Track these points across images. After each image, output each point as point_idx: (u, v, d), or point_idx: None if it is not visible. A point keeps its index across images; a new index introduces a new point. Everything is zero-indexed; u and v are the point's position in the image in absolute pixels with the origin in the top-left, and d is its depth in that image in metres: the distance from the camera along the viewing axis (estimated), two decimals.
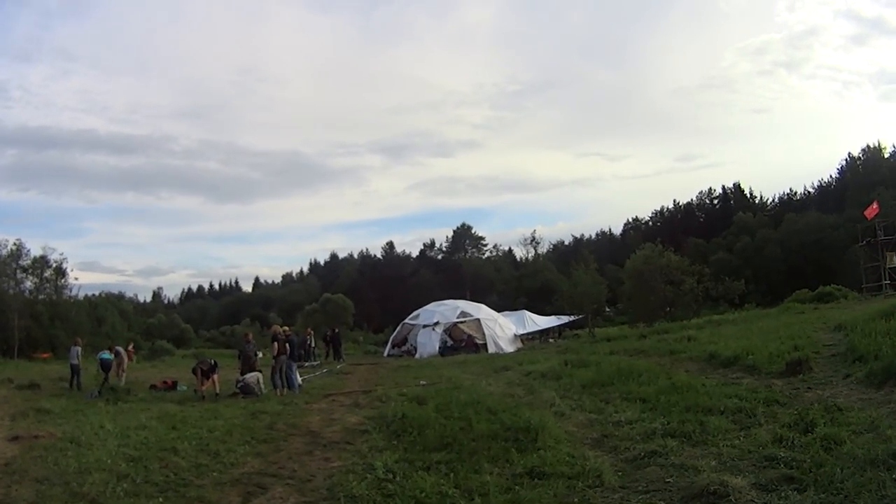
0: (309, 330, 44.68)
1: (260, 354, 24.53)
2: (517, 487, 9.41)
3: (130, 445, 13.25)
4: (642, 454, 10.65)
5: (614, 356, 25.82)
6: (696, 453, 10.48)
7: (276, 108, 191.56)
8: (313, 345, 42.26)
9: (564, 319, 56.58)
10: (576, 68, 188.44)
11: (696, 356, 22.80)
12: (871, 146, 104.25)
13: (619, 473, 9.87)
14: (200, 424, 15.68)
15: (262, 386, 22.78)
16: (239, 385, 22.69)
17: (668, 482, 9.25)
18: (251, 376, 22.92)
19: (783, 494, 8.22)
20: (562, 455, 10.83)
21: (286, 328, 26.06)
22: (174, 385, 26.01)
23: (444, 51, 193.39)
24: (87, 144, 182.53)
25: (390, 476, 10.22)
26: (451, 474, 10.08)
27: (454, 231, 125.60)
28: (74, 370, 26.92)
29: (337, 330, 46.88)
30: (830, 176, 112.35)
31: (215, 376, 23.09)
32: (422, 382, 23.02)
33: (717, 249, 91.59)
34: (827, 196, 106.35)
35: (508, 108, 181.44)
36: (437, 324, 47.25)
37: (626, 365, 20.96)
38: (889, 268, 47.67)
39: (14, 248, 55.68)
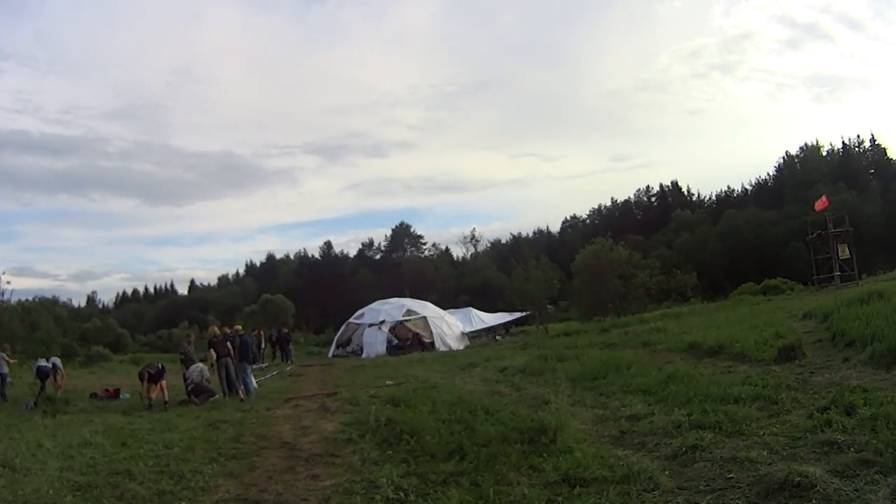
0: (260, 331, 43.41)
1: (203, 368, 22.60)
2: (559, 498, 8.13)
3: (75, 469, 11.29)
4: (682, 449, 9.62)
5: (593, 349, 25.26)
6: (739, 444, 9.62)
7: (210, 109, 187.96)
8: (263, 346, 40.88)
9: (513, 316, 56.79)
10: (511, 70, 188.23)
11: (675, 347, 22.53)
12: (810, 144, 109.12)
13: (668, 473, 8.74)
14: (154, 439, 13.77)
15: (208, 376, 21.41)
16: (189, 387, 21.14)
17: (731, 478, 8.29)
18: (193, 369, 21.43)
19: (869, 479, 7.63)
20: (593, 457, 9.61)
21: (238, 327, 24.36)
22: (116, 393, 24.03)
23: (380, 52, 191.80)
24: (20, 145, 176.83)
25: (402, 495, 8.70)
26: (476, 488, 8.70)
27: (393, 230, 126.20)
28: (2, 378, 24.94)
29: (286, 330, 45.29)
30: (768, 174, 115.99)
31: (163, 382, 20.93)
32: (388, 383, 21.66)
33: (658, 245, 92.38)
34: (764, 193, 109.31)
35: (444, 109, 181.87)
36: (382, 322, 46.38)
37: (611, 357, 20.65)
38: (841, 259, 47.74)
39: None
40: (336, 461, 11.10)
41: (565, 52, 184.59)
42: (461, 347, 44.15)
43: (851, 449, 8.59)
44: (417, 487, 8.92)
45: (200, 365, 21.74)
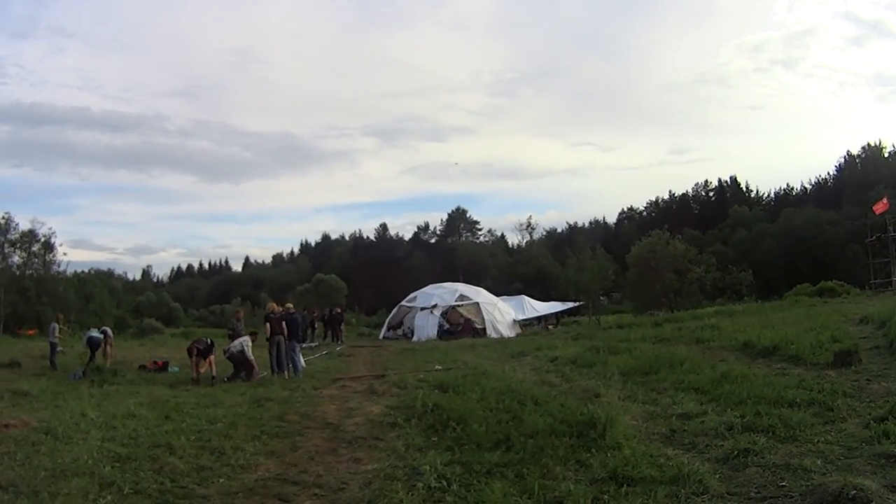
0: (314, 310, 43.73)
1: (247, 340, 22.42)
2: (605, 497, 7.87)
3: (116, 440, 11.27)
4: (734, 453, 9.30)
5: (645, 343, 24.73)
6: (792, 451, 9.30)
7: (269, 89, 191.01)
8: (315, 325, 40.72)
9: (566, 305, 55.98)
10: (570, 58, 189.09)
11: (728, 345, 22.08)
12: (872, 144, 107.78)
13: (718, 476, 8.48)
14: (198, 414, 13.76)
15: (250, 351, 21.19)
16: (227, 355, 21.19)
17: (783, 486, 7.99)
18: (235, 344, 21.36)
19: None
20: (642, 455, 9.35)
21: (289, 305, 24.21)
22: (165, 366, 24.38)
23: (440, 37, 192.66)
24: (81, 122, 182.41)
25: (444, 484, 8.47)
26: (520, 480, 8.46)
27: (449, 214, 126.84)
28: (52, 348, 25.17)
29: (339, 310, 45.39)
30: (828, 173, 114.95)
31: (212, 357, 21.00)
32: (437, 367, 21.58)
33: (714, 241, 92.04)
34: (824, 193, 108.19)
35: (504, 96, 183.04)
36: (434, 307, 46.19)
37: (663, 352, 20.14)
38: None
39: (2, 221, 54.14)
40: (380, 445, 10.95)
41: (625, 43, 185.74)
42: (512, 335, 43.67)
43: None
44: (461, 477, 8.72)
45: (244, 339, 21.64)
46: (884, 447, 9.04)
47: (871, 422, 10.41)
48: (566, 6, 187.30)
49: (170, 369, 23.92)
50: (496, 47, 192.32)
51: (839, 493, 7.19)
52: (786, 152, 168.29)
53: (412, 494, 8.13)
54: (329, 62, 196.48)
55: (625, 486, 8.13)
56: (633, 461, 8.93)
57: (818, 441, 9.77)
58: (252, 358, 21.06)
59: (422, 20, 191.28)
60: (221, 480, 9.08)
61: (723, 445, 9.76)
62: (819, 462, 8.70)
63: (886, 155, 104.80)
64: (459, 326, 45.58)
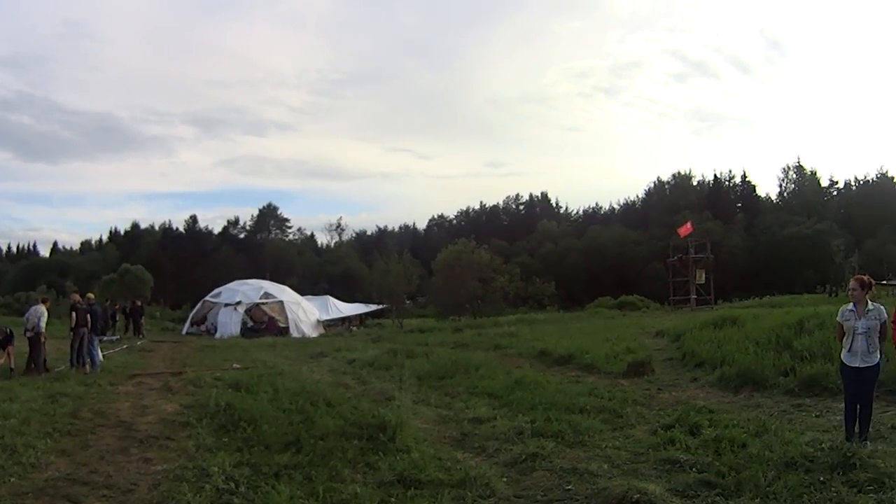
0: (116, 302, 41.83)
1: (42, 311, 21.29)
2: (391, 500, 7.92)
3: None
4: (522, 457, 9.54)
5: (443, 348, 25.50)
6: (580, 456, 9.68)
7: (96, 66, 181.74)
8: (116, 318, 39.13)
9: (370, 307, 56.86)
10: (400, 65, 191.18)
11: (526, 352, 23.23)
12: (682, 173, 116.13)
13: (505, 480, 8.68)
14: None
15: (44, 324, 20.03)
16: (27, 334, 20.01)
17: (569, 490, 8.28)
18: (31, 314, 20.26)
19: (710, 501, 7.70)
20: (430, 458, 9.49)
21: (90, 296, 23.34)
22: None
23: (272, 30, 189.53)
24: None
25: (232, 485, 8.31)
26: (308, 483, 8.43)
27: (260, 210, 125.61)
28: None
29: (139, 303, 43.57)
30: (637, 196, 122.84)
31: (10, 348, 19.96)
32: (235, 366, 21.34)
33: (520, 252, 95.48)
34: (631, 214, 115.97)
35: (327, 95, 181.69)
36: (239, 303, 45.96)
37: (461, 357, 20.80)
38: (698, 283, 50.10)
39: None
40: (171, 445, 10.71)
41: (455, 55, 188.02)
42: (315, 335, 43.99)
43: (693, 469, 8.68)
44: (249, 478, 8.58)
45: (39, 307, 20.51)
46: (669, 453, 9.46)
47: (659, 429, 10.91)
48: (401, 14, 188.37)
49: None
50: (326, 46, 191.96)
51: (623, 496, 7.55)
52: (598, 174, 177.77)
53: (199, 496, 7.97)
54: (160, 44, 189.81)
55: (412, 488, 8.20)
56: (422, 464, 9.02)
57: (606, 446, 10.12)
58: (44, 339, 20.08)
59: (258, 11, 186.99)
60: (13, 480, 8.69)
61: (512, 450, 9.92)
62: (605, 466, 9.01)
63: (695, 183, 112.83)
64: (263, 324, 45.70)
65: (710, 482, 8.10)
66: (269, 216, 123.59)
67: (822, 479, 7.91)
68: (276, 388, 15.00)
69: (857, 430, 9.65)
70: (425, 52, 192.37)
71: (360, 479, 8.68)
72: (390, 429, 10.58)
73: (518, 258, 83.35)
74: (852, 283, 9.95)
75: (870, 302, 9.65)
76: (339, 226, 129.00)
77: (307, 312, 48.09)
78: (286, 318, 45.77)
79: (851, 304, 9.81)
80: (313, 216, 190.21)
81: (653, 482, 8.14)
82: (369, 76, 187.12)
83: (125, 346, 29.87)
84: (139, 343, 32.97)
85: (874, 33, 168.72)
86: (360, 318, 56.23)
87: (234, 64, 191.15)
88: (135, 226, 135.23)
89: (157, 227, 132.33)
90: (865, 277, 9.97)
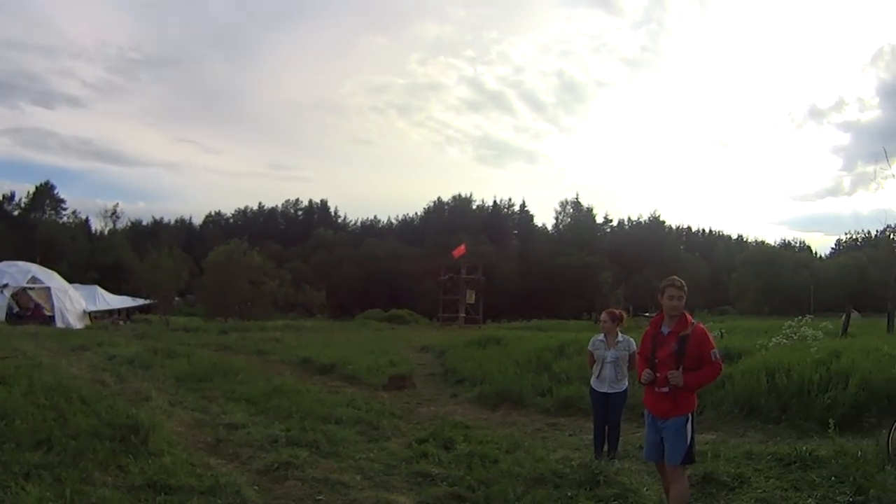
0: None
1: None
2: None
3: None
4: (274, 465, 9.35)
5: (206, 349, 24.99)
6: (333, 466, 9.60)
7: None
8: None
9: (138, 302, 55.24)
10: (199, 54, 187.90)
11: (289, 359, 23.13)
12: (463, 196, 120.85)
13: (256, 488, 8.54)
14: None
15: None
16: None
17: (320, 499, 8.30)
18: None
19: None
20: (182, 463, 9.20)
21: None
22: None
23: None
24: None
25: None
26: (58, 484, 7.94)
27: (37, 188, 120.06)
28: None
29: None
30: (416, 213, 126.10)
31: None
32: None
33: (294, 258, 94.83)
34: (408, 230, 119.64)
35: (123, 74, 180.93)
36: (6, 286, 43.34)
37: (220, 360, 20.46)
38: (468, 303, 52.13)
39: None
40: None
41: (257, 53, 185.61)
42: (81, 326, 42.00)
43: (444, 482, 8.80)
44: None
45: None
46: (421, 466, 9.54)
47: (414, 442, 11.02)
48: (213, 2, 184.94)
49: None
50: (130, 23, 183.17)
51: None
52: (381, 188, 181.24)
53: None
54: None
55: (162, 494, 7.94)
56: (173, 469, 8.75)
57: (360, 458, 10.05)
58: None
59: None
60: None
61: (265, 457, 9.79)
62: (358, 478, 9.04)
63: (475, 207, 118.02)
64: (29, 311, 43.19)
65: (460, 496, 8.31)
66: (45, 195, 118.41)
67: (569, 494, 8.22)
68: (32, 381, 13.95)
69: (605, 449, 10.22)
70: (228, 45, 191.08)
71: (110, 482, 8.29)
72: (143, 431, 10.11)
73: (291, 263, 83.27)
74: (604, 316, 10.63)
75: (620, 334, 10.29)
76: (115, 213, 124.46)
77: (74, 302, 45.86)
78: (52, 305, 43.54)
79: (602, 334, 10.44)
80: (91, 199, 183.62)
81: (403, 494, 8.34)
82: (168, 61, 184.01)
83: None
84: None
85: (663, 89, 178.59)
86: (128, 312, 54.31)
87: (35, 25, 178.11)
88: None
89: None
90: (617, 311, 10.64)
